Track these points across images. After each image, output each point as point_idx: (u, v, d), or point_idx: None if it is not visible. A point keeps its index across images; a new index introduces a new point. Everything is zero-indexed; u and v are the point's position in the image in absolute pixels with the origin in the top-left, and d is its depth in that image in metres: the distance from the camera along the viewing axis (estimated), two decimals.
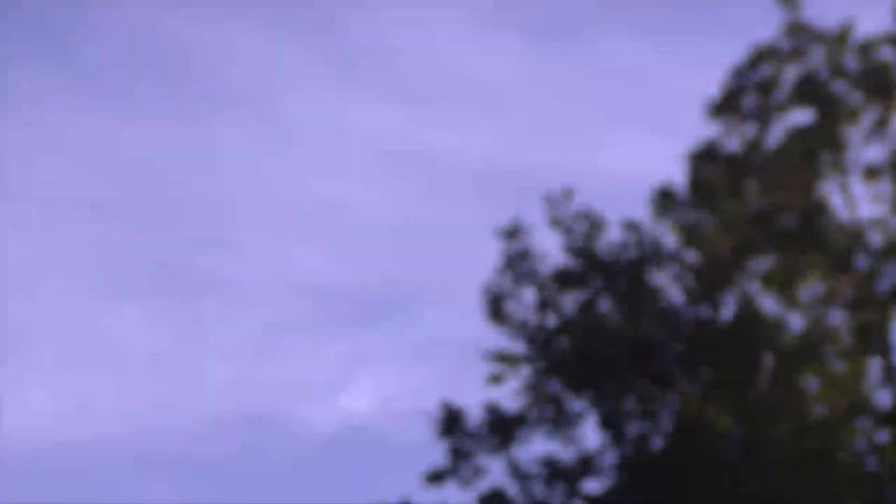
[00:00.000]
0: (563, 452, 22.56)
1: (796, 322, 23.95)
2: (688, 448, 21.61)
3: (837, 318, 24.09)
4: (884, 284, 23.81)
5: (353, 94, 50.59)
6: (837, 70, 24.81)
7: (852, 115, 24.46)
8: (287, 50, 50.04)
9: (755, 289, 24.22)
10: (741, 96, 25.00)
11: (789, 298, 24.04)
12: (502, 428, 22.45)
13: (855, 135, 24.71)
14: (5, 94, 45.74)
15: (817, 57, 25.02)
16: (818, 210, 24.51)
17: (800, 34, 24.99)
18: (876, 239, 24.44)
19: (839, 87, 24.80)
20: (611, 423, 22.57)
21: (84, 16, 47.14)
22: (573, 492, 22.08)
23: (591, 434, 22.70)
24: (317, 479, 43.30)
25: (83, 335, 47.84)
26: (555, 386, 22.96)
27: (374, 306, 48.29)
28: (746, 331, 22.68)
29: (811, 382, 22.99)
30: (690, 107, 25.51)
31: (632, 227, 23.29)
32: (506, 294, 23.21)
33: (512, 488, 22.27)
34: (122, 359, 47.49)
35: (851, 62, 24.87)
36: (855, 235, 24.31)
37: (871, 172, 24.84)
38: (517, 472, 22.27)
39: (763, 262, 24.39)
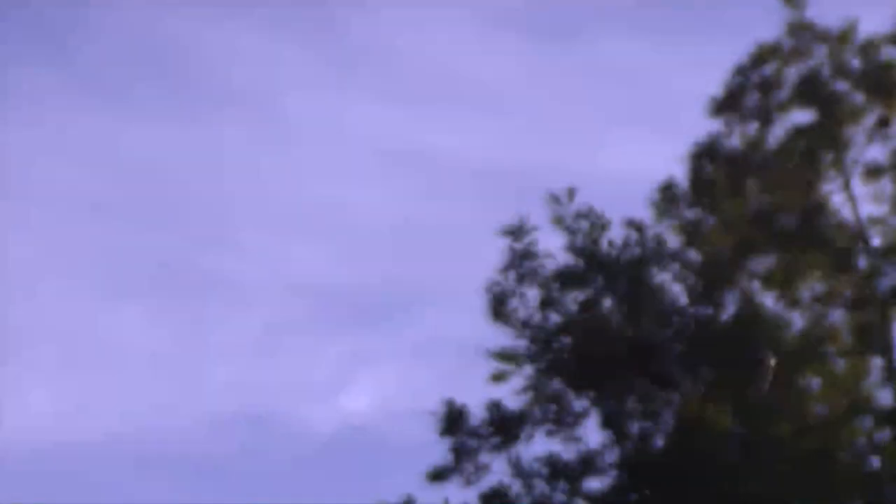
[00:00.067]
0: (565, 451, 22.62)
1: (797, 321, 24.01)
2: (688, 447, 21.64)
3: (838, 317, 24.14)
4: (885, 284, 23.86)
5: (353, 94, 50.56)
6: (840, 69, 24.83)
7: (854, 115, 24.49)
8: (287, 50, 50.01)
9: (756, 288, 24.27)
10: (743, 95, 25.01)
11: (790, 298, 24.07)
12: (504, 426, 22.47)
13: (857, 134, 24.74)
14: (5, 94, 45.71)
15: (820, 56, 25.07)
16: (819, 209, 24.54)
17: (802, 33, 25.01)
18: (877, 239, 24.52)
19: (841, 86, 24.84)
20: (612, 423, 22.61)
21: (84, 16, 47.07)
22: (575, 490, 22.11)
23: (593, 433, 22.76)
24: (317, 479, 43.24)
25: (83, 335, 47.79)
26: (557, 385, 23.00)
27: (374, 306, 48.23)
28: (747, 330, 22.71)
29: (812, 382, 23.02)
30: (690, 107, 25.54)
31: (634, 226, 23.31)
32: (508, 293, 23.23)
33: (514, 487, 22.30)
34: (122, 359, 47.44)
35: (854, 62, 24.92)
36: (856, 235, 24.35)
37: (873, 172, 24.88)
38: (519, 471, 22.30)
39: (764, 262, 24.43)
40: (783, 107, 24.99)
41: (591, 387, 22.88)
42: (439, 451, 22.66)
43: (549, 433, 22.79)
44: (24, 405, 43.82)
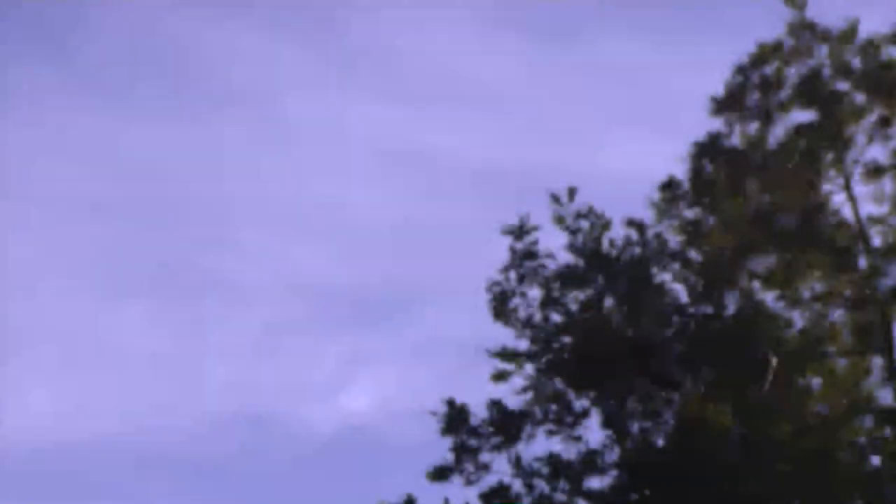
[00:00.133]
0: (566, 450, 22.60)
1: (797, 321, 24.02)
2: (689, 447, 21.62)
3: (838, 316, 24.15)
4: (885, 284, 23.86)
5: (353, 94, 50.59)
6: (841, 69, 24.84)
7: (855, 114, 24.49)
8: (287, 50, 50.04)
9: (757, 288, 24.26)
10: (744, 94, 25.03)
11: (790, 297, 24.07)
12: (505, 426, 22.47)
13: (858, 134, 24.75)
14: (5, 94, 45.74)
15: (821, 56, 25.08)
16: (820, 209, 24.54)
17: (803, 33, 25.02)
18: (877, 238, 24.51)
19: (842, 86, 24.85)
20: (613, 422, 22.61)
21: (84, 16, 47.13)
22: (576, 489, 22.10)
23: (594, 432, 22.76)
24: (317, 479, 43.28)
25: (83, 335, 47.81)
26: (557, 384, 23.00)
27: (374, 306, 48.26)
28: (748, 330, 22.69)
29: (812, 381, 23.02)
30: (690, 107, 25.56)
31: (635, 225, 23.31)
32: (509, 292, 23.24)
33: (515, 486, 22.30)
34: (122, 359, 47.47)
35: (855, 61, 24.92)
36: (856, 235, 24.34)
37: (874, 172, 24.89)
38: (520, 470, 22.29)
39: (764, 261, 24.42)
40: (784, 106, 24.99)
41: (591, 386, 22.87)
42: (439, 450, 22.70)
43: (550, 432, 22.80)
44: (24, 405, 43.88)
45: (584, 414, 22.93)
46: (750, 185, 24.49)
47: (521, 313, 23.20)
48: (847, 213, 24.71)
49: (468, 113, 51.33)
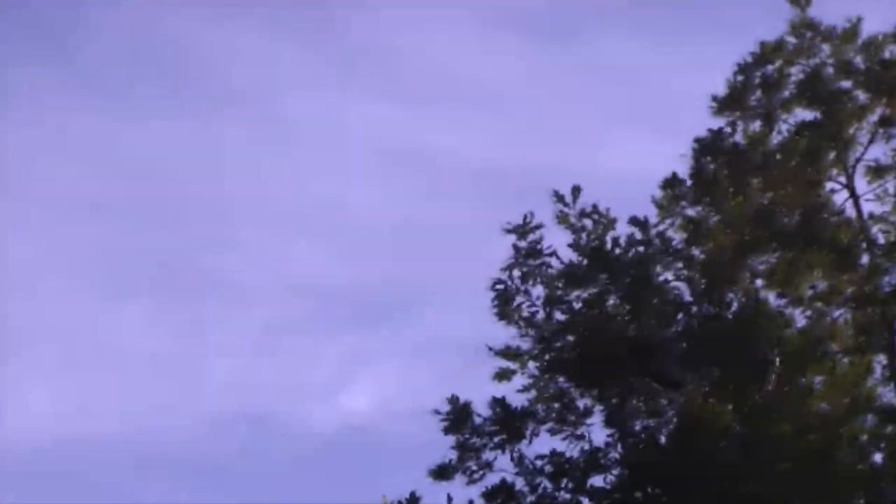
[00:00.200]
0: (569, 449, 22.57)
1: (799, 320, 24.07)
2: (692, 446, 21.61)
3: (840, 315, 24.19)
4: (887, 282, 23.91)
5: (353, 94, 50.65)
6: (843, 68, 24.90)
7: (857, 113, 24.56)
8: (287, 50, 50.10)
9: (758, 286, 24.30)
10: (746, 93, 25.08)
11: (792, 296, 24.11)
12: (508, 424, 22.43)
13: (860, 133, 24.81)
14: (5, 94, 45.73)
15: (823, 55, 25.13)
16: (822, 208, 24.60)
17: (806, 32, 25.08)
18: (879, 237, 24.57)
19: (844, 85, 24.92)
20: (615, 421, 22.59)
21: (84, 16, 47.16)
22: (579, 488, 22.08)
23: (596, 431, 22.74)
24: (317, 479, 43.28)
25: (83, 335, 47.82)
26: (560, 383, 22.99)
27: (374, 306, 48.30)
28: (750, 329, 22.69)
29: (814, 380, 23.03)
30: (690, 106, 25.61)
31: (638, 224, 23.31)
32: (512, 291, 23.22)
33: (518, 484, 22.27)
34: (122, 359, 47.49)
35: (857, 60, 24.98)
36: (858, 233, 24.39)
37: (876, 170, 24.97)
38: (524, 468, 22.27)
39: (766, 260, 24.47)
40: (786, 105, 25.05)
41: (594, 385, 22.86)
42: (439, 450, 22.65)
43: (553, 431, 22.76)
44: (24, 405, 43.88)
45: (587, 412, 22.90)
46: (752, 183, 24.53)
47: (524, 312, 23.18)
48: (849, 211, 24.82)
49: (468, 113, 51.43)
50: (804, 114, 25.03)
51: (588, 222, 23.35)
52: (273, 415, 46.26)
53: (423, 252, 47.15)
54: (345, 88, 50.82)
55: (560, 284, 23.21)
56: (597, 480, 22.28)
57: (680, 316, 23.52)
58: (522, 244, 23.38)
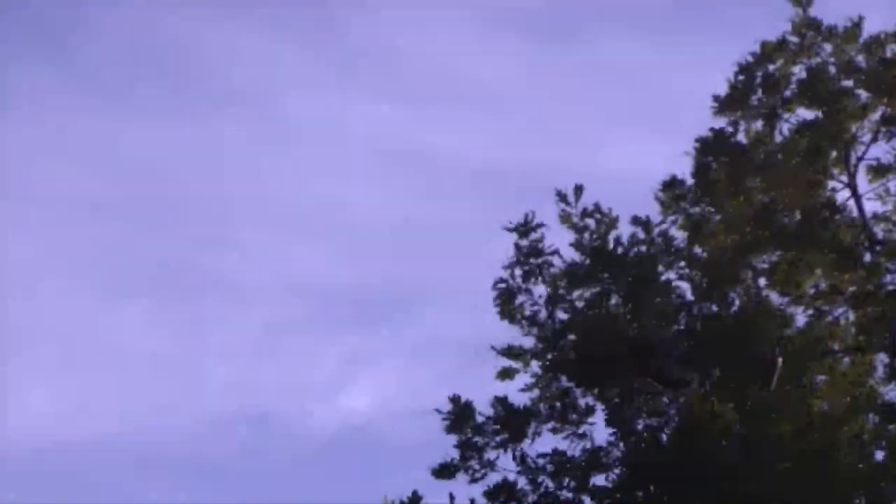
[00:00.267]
0: (571, 448, 22.59)
1: (801, 318, 24.07)
2: (693, 445, 21.61)
3: (842, 314, 24.20)
4: (889, 281, 23.91)
5: (353, 94, 50.66)
6: (845, 67, 24.90)
7: (859, 112, 24.55)
8: (287, 50, 50.09)
9: (761, 285, 24.30)
10: (748, 93, 25.07)
11: (794, 295, 24.11)
12: (511, 422, 22.43)
13: (862, 131, 24.82)
14: (5, 93, 45.72)
15: (825, 54, 25.12)
16: (824, 206, 24.60)
17: (808, 31, 25.08)
18: (881, 235, 24.56)
19: (847, 83, 24.91)
20: (617, 420, 22.59)
21: (84, 16, 47.16)
22: (581, 486, 22.08)
23: (599, 430, 22.74)
24: (317, 479, 43.29)
25: (83, 335, 47.82)
26: (563, 382, 22.99)
27: (374, 306, 48.33)
28: (752, 328, 22.70)
29: (816, 379, 23.04)
30: (690, 106, 25.61)
31: (641, 223, 23.31)
32: (515, 290, 23.23)
33: (520, 483, 22.27)
34: (122, 359, 47.50)
35: (859, 59, 24.97)
36: (860, 232, 24.39)
37: (878, 169, 24.97)
38: (526, 466, 22.27)
39: (768, 259, 24.47)
40: (788, 104, 25.04)
41: (596, 384, 22.87)
42: (439, 450, 22.65)
43: (555, 430, 22.78)
44: (24, 405, 43.86)
45: (589, 411, 22.92)
46: (754, 182, 24.53)
47: (527, 311, 23.19)
48: (851, 211, 24.81)
49: (468, 113, 51.44)
50: (806, 113, 25.04)
51: (590, 222, 23.37)
52: (273, 415, 46.30)
53: (423, 252, 47.17)
54: (345, 88, 50.85)
55: (562, 283, 23.22)
56: (598, 479, 22.34)
57: (682, 315, 23.51)
58: (524, 243, 23.41)
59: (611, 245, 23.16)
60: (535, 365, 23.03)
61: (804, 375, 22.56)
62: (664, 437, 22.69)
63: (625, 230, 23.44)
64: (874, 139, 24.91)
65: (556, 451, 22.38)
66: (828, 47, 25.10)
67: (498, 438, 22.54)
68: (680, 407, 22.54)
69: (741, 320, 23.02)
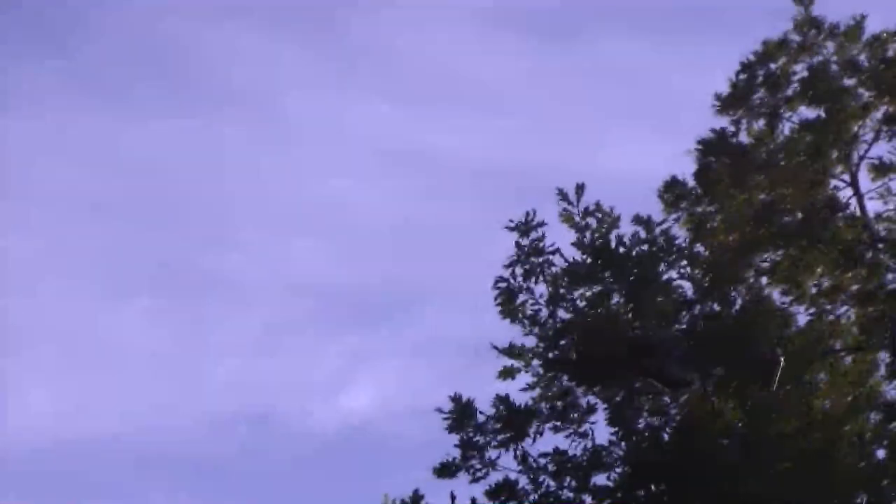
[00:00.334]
0: (573, 447, 22.55)
1: (803, 317, 24.07)
2: (695, 444, 21.61)
3: (844, 313, 24.19)
4: (891, 279, 23.90)
5: (353, 94, 50.65)
6: (848, 65, 24.89)
7: (862, 111, 24.55)
8: (287, 50, 50.08)
9: (763, 283, 24.30)
10: (750, 91, 25.06)
11: (796, 293, 24.10)
12: (513, 421, 22.39)
13: (864, 130, 24.81)
14: (5, 93, 45.70)
15: (827, 52, 25.11)
16: (826, 205, 24.59)
17: (810, 29, 25.07)
18: (884, 234, 24.54)
19: (849, 82, 24.90)
20: (619, 419, 22.57)
21: (84, 16, 47.12)
22: (582, 486, 22.05)
23: (600, 429, 22.71)
24: (317, 479, 43.26)
25: (83, 335, 47.80)
26: (564, 381, 22.96)
27: (374, 306, 48.31)
28: (754, 327, 22.69)
29: (818, 378, 23.03)
30: (690, 106, 25.59)
31: (643, 222, 23.27)
32: (516, 289, 23.19)
33: (521, 482, 22.23)
34: (122, 359, 47.47)
35: (862, 58, 24.96)
36: (862, 231, 24.38)
37: (880, 168, 24.95)
38: (527, 466, 22.24)
39: (770, 258, 24.47)
40: (790, 103, 25.03)
41: (598, 383, 22.84)
42: (439, 450, 22.61)
43: (557, 429, 22.73)
44: (24, 405, 43.83)
45: (590, 410, 22.87)
46: (756, 181, 24.52)
47: (528, 310, 23.15)
48: (853, 209, 24.80)
49: (468, 113, 51.44)
50: (808, 112, 25.02)
51: (592, 221, 23.33)
52: (273, 415, 46.29)
53: (423, 252, 47.16)
54: (345, 88, 50.84)
55: (563, 282, 23.18)
56: (600, 479, 22.29)
57: (683, 315, 23.49)
58: (525, 242, 23.35)
59: (612, 244, 23.12)
60: (536, 364, 22.98)
61: (805, 375, 22.55)
62: (666, 436, 22.65)
63: (626, 230, 23.43)
64: (876, 138, 24.90)
65: (557, 451, 22.34)
66: (830, 46, 25.10)
67: (499, 438, 22.50)
68: (684, 405, 22.53)
69: (742, 320, 23.01)
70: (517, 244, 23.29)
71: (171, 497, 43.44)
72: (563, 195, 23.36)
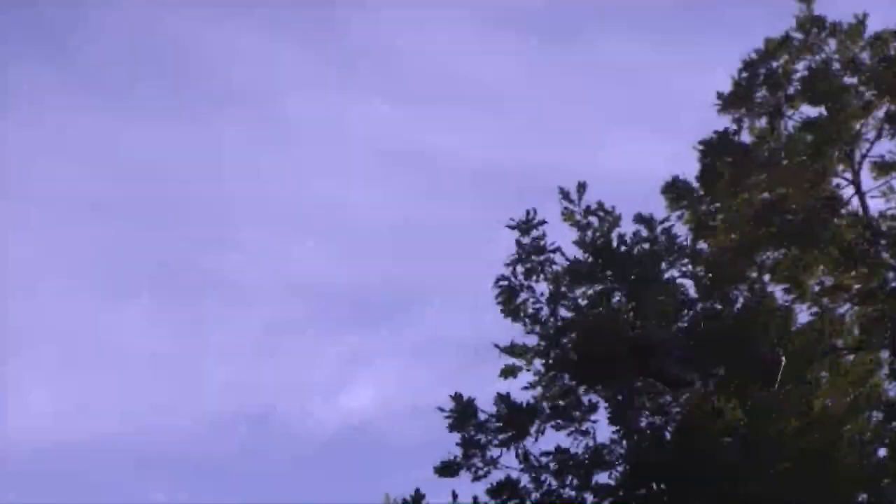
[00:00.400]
0: (574, 445, 22.53)
1: (805, 315, 24.07)
2: (696, 443, 21.58)
3: (846, 311, 24.19)
4: (893, 278, 23.90)
5: (353, 94, 50.66)
6: (849, 64, 24.90)
7: (863, 110, 24.56)
8: (287, 50, 50.08)
9: (765, 282, 24.29)
10: (752, 90, 25.07)
11: (798, 292, 24.10)
12: (514, 420, 22.37)
13: (866, 129, 24.81)
14: (5, 93, 45.71)
15: (829, 51, 25.12)
16: (828, 203, 24.59)
17: (812, 27, 25.07)
18: (885, 232, 24.54)
19: (850, 81, 24.91)
20: (620, 418, 22.55)
21: (84, 16, 47.13)
22: (584, 484, 22.03)
23: (602, 427, 22.70)
24: (317, 479, 43.24)
25: (83, 335, 47.78)
26: (566, 380, 22.94)
27: (374, 306, 48.32)
28: (754, 326, 22.67)
29: (819, 377, 23.01)
30: (690, 107, 25.58)
31: (644, 221, 23.26)
32: (517, 288, 23.17)
33: (523, 480, 22.21)
34: (122, 359, 47.47)
35: (863, 56, 24.97)
36: (864, 229, 24.38)
37: (882, 167, 24.97)
38: (529, 464, 22.21)
39: (772, 256, 24.46)
40: (792, 101, 25.03)
41: (599, 382, 22.81)
42: (439, 449, 22.60)
43: (558, 427, 22.70)
44: (24, 405, 43.80)
45: (592, 409, 22.85)
46: (758, 179, 24.52)
47: (529, 308, 23.13)
48: (854, 207, 24.82)
49: (468, 113, 51.45)
50: (809, 110, 25.03)
51: (594, 219, 23.31)
52: (273, 415, 46.25)
53: (423, 252, 47.16)
54: (345, 88, 50.86)
55: (564, 281, 23.16)
56: (601, 477, 22.26)
57: (684, 314, 23.47)
58: (526, 240, 23.34)
59: (614, 243, 23.11)
60: (537, 363, 22.96)
61: (806, 374, 22.53)
62: (667, 435, 22.64)
63: (628, 229, 23.41)
64: (878, 136, 24.94)
65: (559, 449, 22.31)
66: (832, 44, 25.12)
67: (501, 436, 22.47)
68: (686, 404, 22.51)
69: (742, 319, 22.99)
70: (518, 243, 23.29)
71: (171, 497, 43.46)
72: (564, 194, 23.36)
